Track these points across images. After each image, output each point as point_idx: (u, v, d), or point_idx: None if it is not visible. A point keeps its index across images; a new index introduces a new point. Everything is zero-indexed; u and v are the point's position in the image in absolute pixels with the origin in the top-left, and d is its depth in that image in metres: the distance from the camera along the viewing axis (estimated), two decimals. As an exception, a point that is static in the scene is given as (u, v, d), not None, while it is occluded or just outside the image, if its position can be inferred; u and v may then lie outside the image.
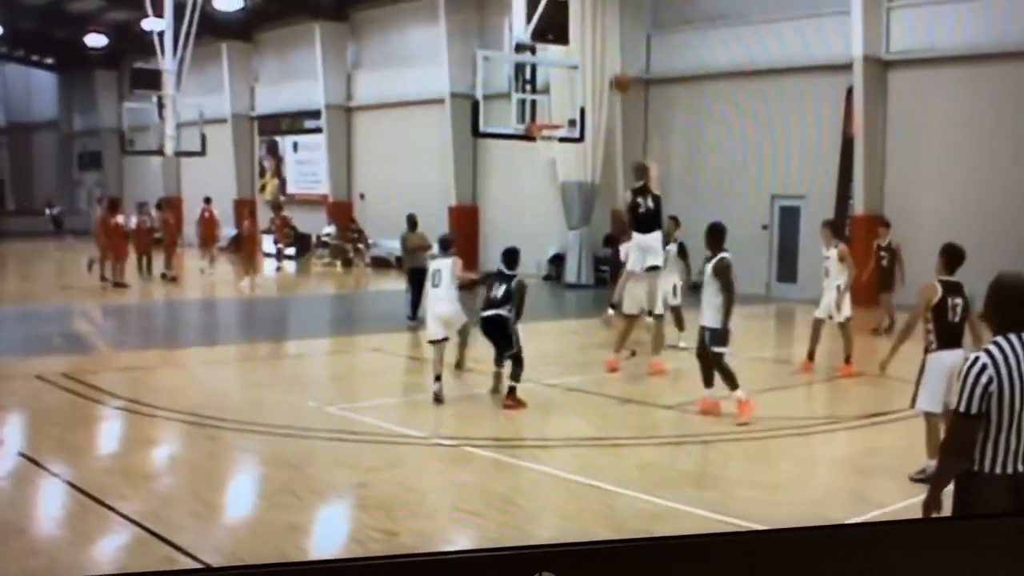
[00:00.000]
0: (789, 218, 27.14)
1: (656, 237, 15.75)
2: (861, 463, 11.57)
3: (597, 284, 29.02)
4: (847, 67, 25.15)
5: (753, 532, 5.65)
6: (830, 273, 16.59)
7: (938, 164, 24.05)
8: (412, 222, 21.63)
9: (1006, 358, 5.55)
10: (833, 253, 16.66)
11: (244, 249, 28.78)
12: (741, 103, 27.42)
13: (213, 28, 37.74)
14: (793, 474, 10.87)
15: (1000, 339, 5.63)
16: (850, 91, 25.28)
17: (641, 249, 15.62)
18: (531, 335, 19.98)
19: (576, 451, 11.68)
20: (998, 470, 5.60)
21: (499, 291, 13.74)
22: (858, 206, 25.31)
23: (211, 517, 9.00)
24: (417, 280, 20.89)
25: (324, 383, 15.83)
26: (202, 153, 32.77)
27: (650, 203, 15.56)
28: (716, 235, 13.36)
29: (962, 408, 5.59)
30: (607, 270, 29.05)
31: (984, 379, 5.52)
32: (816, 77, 25.88)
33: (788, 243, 27.09)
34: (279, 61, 43.45)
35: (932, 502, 5.88)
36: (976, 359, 5.59)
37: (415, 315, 20.77)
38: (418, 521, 8.93)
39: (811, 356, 16.28)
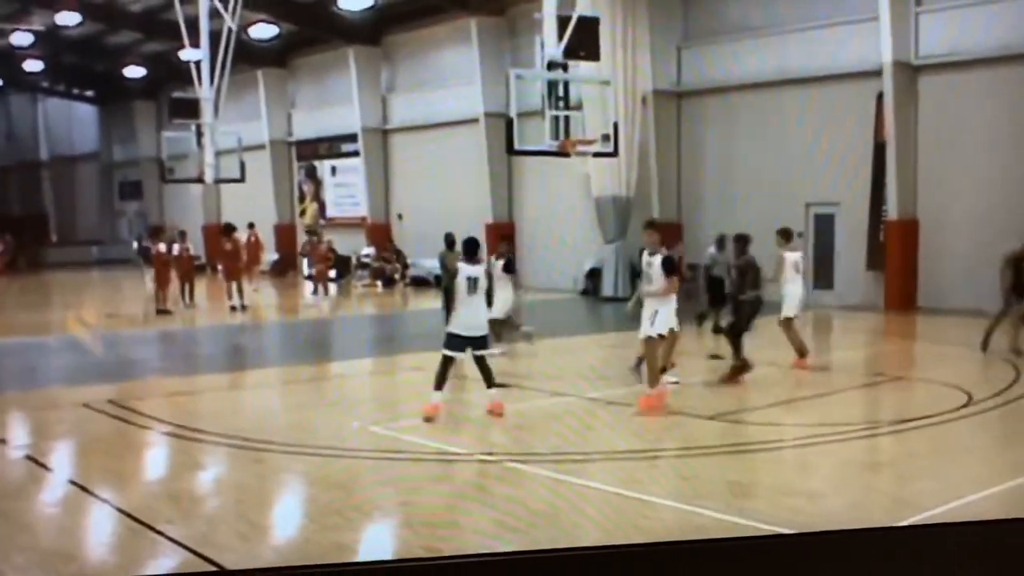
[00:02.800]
0: (824, 225, 27.16)
1: None
2: (902, 468, 11.58)
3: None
4: (877, 73, 25.24)
5: (772, 535, 5.67)
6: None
7: (971, 168, 24.03)
8: (450, 241, 21.72)
9: None
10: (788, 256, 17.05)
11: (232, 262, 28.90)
12: (772, 112, 27.58)
13: (249, 56, 38.18)
14: (835, 480, 10.89)
15: None
16: (880, 97, 25.32)
17: None
18: (570, 349, 20.20)
19: (618, 464, 11.73)
20: None
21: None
22: (892, 211, 25.28)
23: (258, 538, 9.11)
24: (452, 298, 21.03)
25: (367, 403, 15.93)
26: (241, 180, 33.07)
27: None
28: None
29: None
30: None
31: None
32: (846, 84, 25.98)
33: (824, 250, 27.09)
34: (315, 86, 43.86)
35: None
36: None
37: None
38: (462, 537, 8.99)
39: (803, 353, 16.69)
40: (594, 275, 31.10)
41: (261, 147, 43.46)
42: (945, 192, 24.55)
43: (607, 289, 29.81)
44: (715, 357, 17.70)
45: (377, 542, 9.32)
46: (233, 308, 28.13)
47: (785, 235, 17.45)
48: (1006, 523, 3.70)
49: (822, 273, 27.12)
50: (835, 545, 3.34)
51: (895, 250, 24.32)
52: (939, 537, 3.44)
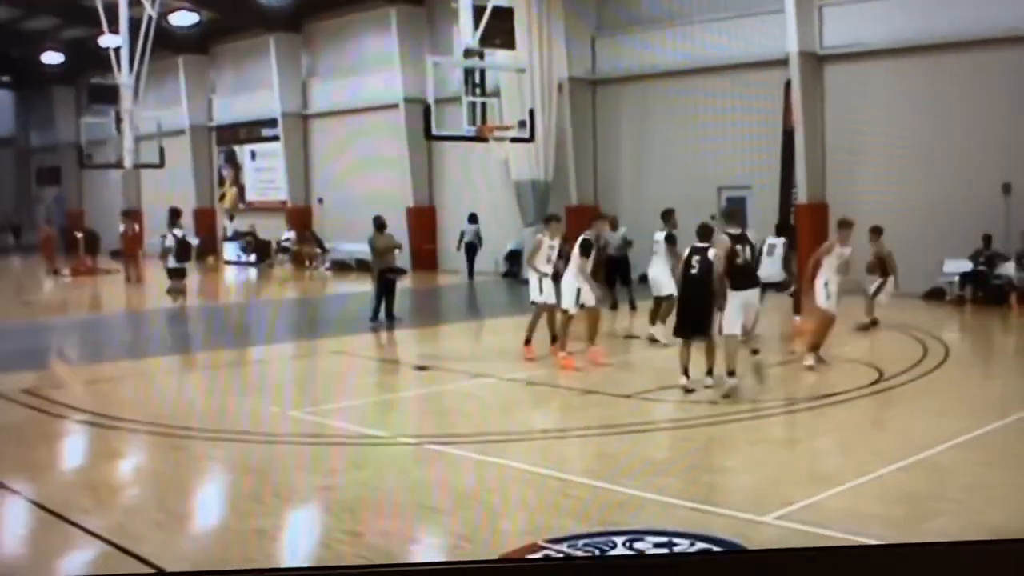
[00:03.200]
0: (736, 208, 27.51)
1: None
2: (816, 444, 11.80)
3: (553, 278, 29.17)
4: (784, 62, 25.89)
5: (765, 551, 5.77)
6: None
7: (876, 152, 24.74)
8: (380, 224, 21.78)
9: None
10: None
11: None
12: (685, 100, 28.05)
13: (169, 43, 37.82)
14: (751, 457, 11.06)
15: None
16: (788, 85, 25.94)
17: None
18: (491, 331, 20.27)
19: (539, 444, 11.85)
20: None
21: None
22: (801, 195, 25.85)
23: (176, 527, 9.06)
24: (385, 282, 21.09)
25: (287, 388, 15.89)
26: (161, 165, 32.82)
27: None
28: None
29: None
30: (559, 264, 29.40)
31: None
32: (755, 72, 26.52)
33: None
34: (235, 72, 43.54)
35: None
36: None
37: (377, 317, 20.95)
38: (384, 521, 9.01)
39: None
40: (514, 257, 31.26)
41: (181, 132, 43.05)
42: (852, 176, 25.10)
43: (526, 272, 29.95)
44: (630, 337, 17.94)
45: (297, 527, 9.31)
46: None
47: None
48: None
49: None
50: (834, 561, 3.41)
51: (805, 233, 24.66)
52: (941, 556, 3.52)
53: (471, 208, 32.21)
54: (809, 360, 15.08)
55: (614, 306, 21.45)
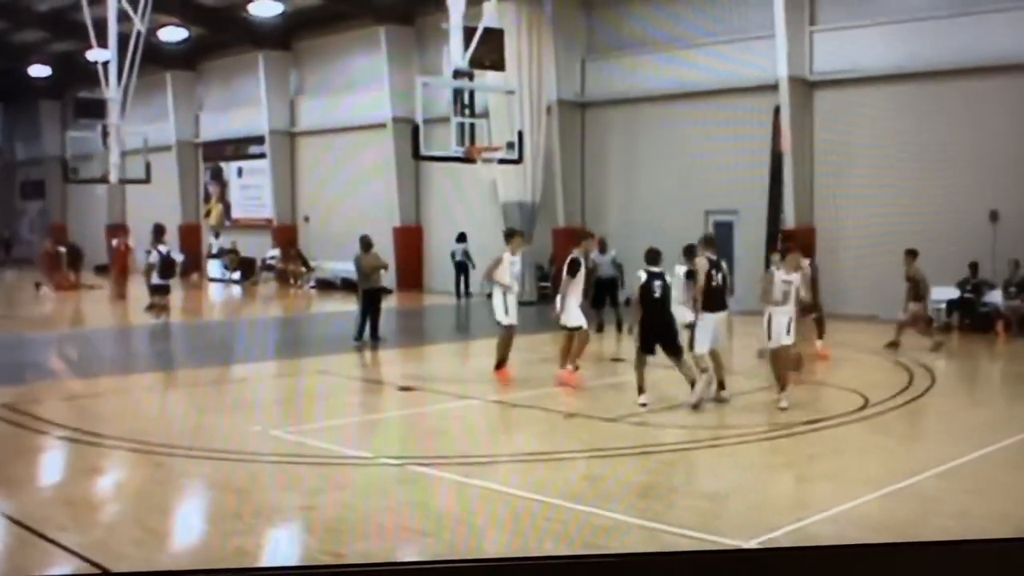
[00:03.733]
0: (723, 233, 27.61)
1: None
2: (801, 470, 11.76)
3: (540, 300, 29.28)
4: (774, 88, 26.02)
5: (756, 549, 5.74)
6: None
7: (864, 178, 24.84)
8: (366, 243, 21.76)
9: None
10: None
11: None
12: (673, 124, 28.26)
13: (157, 58, 37.76)
14: (735, 482, 11.02)
15: None
16: (777, 110, 26.06)
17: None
18: (477, 352, 20.21)
19: (522, 466, 11.78)
20: None
21: None
22: (789, 220, 25.93)
23: (155, 544, 8.99)
24: (371, 301, 21.04)
25: (270, 407, 15.78)
26: (147, 180, 32.71)
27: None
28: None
29: None
30: (548, 287, 29.55)
31: None
32: (745, 97, 26.63)
33: (723, 257, 27.36)
34: (223, 89, 43.50)
35: None
36: None
37: (362, 336, 20.88)
38: (365, 542, 8.96)
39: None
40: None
41: (168, 148, 42.98)
42: (840, 201, 25.19)
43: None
44: (617, 360, 17.88)
45: (277, 546, 9.24)
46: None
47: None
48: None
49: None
50: (833, 560, 3.37)
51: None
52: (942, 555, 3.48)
53: (458, 228, 32.17)
54: (783, 403, 14.64)
55: (600, 328, 21.41)
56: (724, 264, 15.68)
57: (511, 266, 16.84)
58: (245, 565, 8.38)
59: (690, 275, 17.02)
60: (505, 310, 16.72)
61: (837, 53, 25.41)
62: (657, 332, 14.63)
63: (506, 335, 16.77)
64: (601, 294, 22.16)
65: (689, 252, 15.43)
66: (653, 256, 14.91)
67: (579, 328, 16.49)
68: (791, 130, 25.63)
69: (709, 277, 14.89)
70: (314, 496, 10.40)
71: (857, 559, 3.44)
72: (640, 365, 14.61)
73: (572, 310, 16.41)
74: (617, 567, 3.29)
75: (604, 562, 3.30)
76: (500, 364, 16.69)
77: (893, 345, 19.48)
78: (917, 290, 19.50)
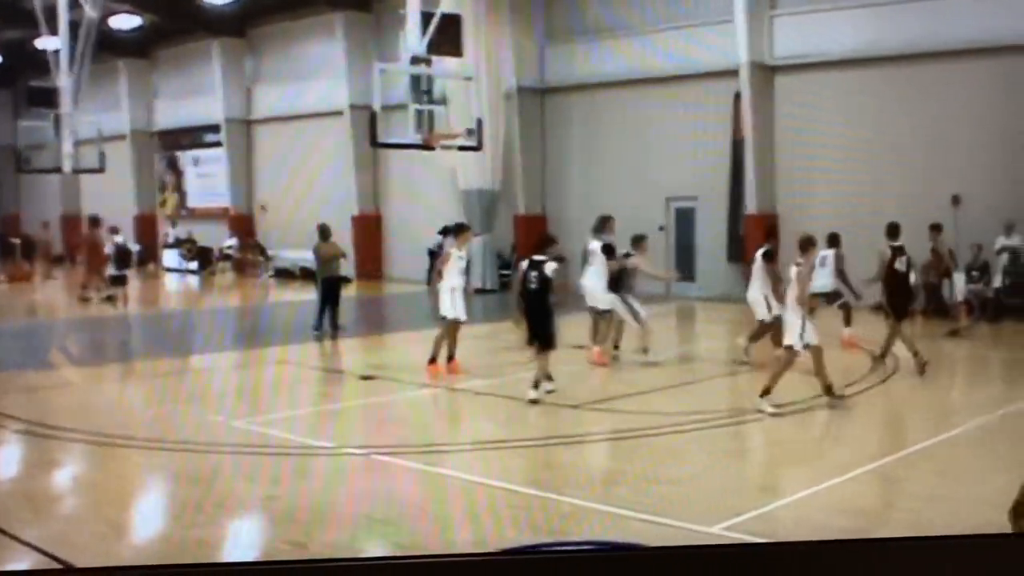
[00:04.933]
0: (684, 219, 27.77)
1: None
2: (766, 455, 11.78)
3: (501, 289, 29.25)
4: (734, 73, 26.00)
5: (751, 544, 5.72)
6: None
7: (826, 163, 24.78)
8: (324, 232, 21.58)
9: None
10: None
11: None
12: (634, 110, 28.19)
13: (110, 46, 37.29)
14: (701, 468, 11.02)
15: None
16: (737, 96, 26.08)
17: None
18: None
19: (486, 454, 11.74)
20: None
21: None
22: (750, 206, 25.95)
23: (117, 537, 8.90)
24: (329, 290, 20.90)
25: (230, 397, 15.65)
26: (101, 170, 32.36)
27: None
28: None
29: None
30: (508, 274, 29.52)
31: None
32: (705, 83, 26.63)
33: (685, 243, 27.68)
34: (178, 77, 43.01)
35: None
36: None
37: (321, 326, 20.75)
38: (328, 532, 8.90)
39: None
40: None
41: (122, 137, 42.54)
42: (803, 187, 25.21)
43: (474, 281, 29.81)
44: (579, 347, 17.84)
45: (240, 537, 9.17)
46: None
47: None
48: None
49: (683, 265, 27.62)
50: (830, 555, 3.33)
51: (755, 243, 24.74)
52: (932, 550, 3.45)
53: (420, 216, 32.00)
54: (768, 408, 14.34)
55: None
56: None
57: (459, 261, 16.57)
58: (206, 556, 8.30)
59: (607, 249, 17.08)
60: (452, 304, 16.42)
61: (798, 38, 25.37)
62: (535, 327, 14.20)
63: (451, 328, 16.50)
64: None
65: (542, 244, 14.88)
66: (541, 242, 14.92)
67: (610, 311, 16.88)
68: (752, 115, 25.68)
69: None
70: (276, 486, 10.33)
71: (852, 554, 3.42)
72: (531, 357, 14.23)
73: (599, 293, 16.88)
74: (618, 561, 3.25)
75: (600, 558, 3.26)
76: (435, 359, 16.33)
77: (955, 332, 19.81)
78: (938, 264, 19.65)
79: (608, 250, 17.16)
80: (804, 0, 25.38)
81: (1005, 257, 22.32)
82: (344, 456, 11.71)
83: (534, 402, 13.65)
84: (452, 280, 16.42)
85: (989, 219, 22.46)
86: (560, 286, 14.98)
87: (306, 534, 8.77)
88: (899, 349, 15.94)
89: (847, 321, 18.52)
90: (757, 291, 16.43)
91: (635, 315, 17.14)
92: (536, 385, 13.92)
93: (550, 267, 14.08)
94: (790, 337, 13.52)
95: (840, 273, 17.89)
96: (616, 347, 17.32)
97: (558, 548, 7.20)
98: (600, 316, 17.12)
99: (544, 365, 14.09)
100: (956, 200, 22.95)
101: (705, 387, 15.76)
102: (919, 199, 22.81)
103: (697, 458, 11.45)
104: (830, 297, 18.07)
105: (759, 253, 16.57)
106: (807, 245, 13.92)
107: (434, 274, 16.73)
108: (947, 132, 23.09)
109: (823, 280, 17.53)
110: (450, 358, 16.29)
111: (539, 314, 14.11)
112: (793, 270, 13.72)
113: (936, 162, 23.27)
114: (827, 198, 24.38)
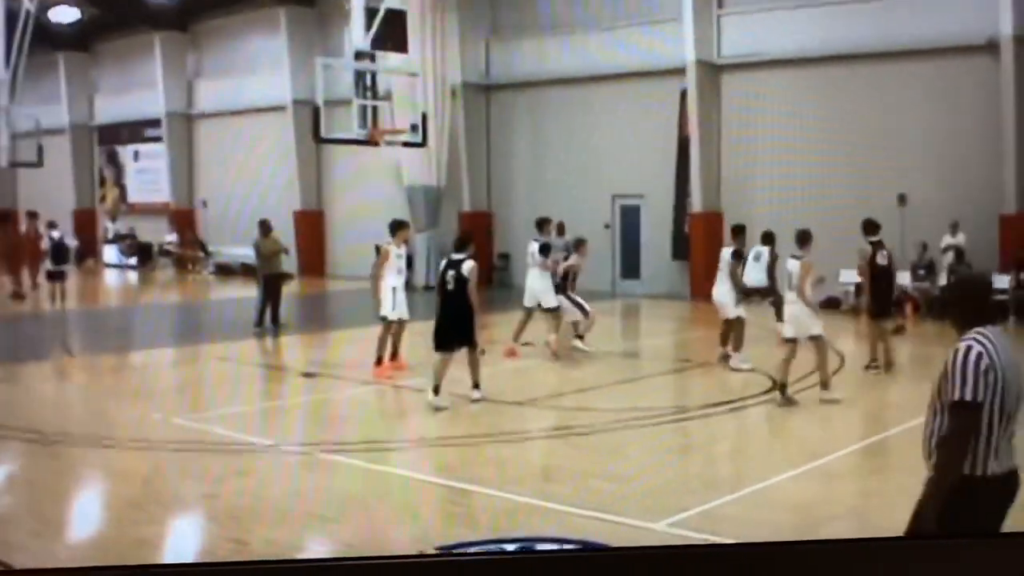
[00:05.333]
0: (630, 217, 27.85)
1: None
2: (709, 451, 11.80)
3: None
4: (681, 71, 26.13)
5: (747, 544, 5.70)
6: None
7: (772, 162, 25.03)
8: (265, 227, 21.41)
9: (995, 348, 5.38)
10: None
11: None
12: (580, 107, 28.30)
13: (48, 39, 36.85)
14: (643, 464, 11.02)
15: (982, 329, 5.45)
16: (684, 94, 26.14)
17: None
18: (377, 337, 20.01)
19: (428, 451, 11.70)
20: (997, 470, 5.36)
21: None
22: (696, 204, 26.07)
23: (54, 536, 8.76)
24: (270, 286, 20.73)
25: (170, 394, 15.48)
26: (39, 164, 31.96)
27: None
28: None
29: (968, 396, 5.30)
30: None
31: (983, 366, 5.32)
32: (652, 81, 26.83)
33: (631, 241, 27.78)
34: (119, 71, 42.58)
35: (940, 503, 5.36)
36: (969, 347, 5.37)
37: (262, 322, 20.59)
38: (270, 529, 8.81)
39: None
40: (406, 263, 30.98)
41: (61, 131, 42.07)
42: (748, 185, 25.41)
43: (419, 278, 29.74)
44: (526, 344, 17.84)
45: (180, 535, 9.06)
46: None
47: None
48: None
49: (628, 263, 27.75)
50: (812, 554, 3.33)
51: (699, 241, 24.99)
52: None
53: (363, 213, 31.85)
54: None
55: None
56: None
57: (397, 259, 16.38)
58: (145, 555, 8.20)
59: (544, 249, 17.26)
60: (392, 304, 16.20)
61: (745, 37, 25.59)
62: (451, 330, 13.65)
63: (395, 329, 16.32)
64: None
65: (461, 243, 14.30)
66: (459, 242, 14.47)
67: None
68: (698, 114, 25.77)
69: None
70: (217, 484, 10.21)
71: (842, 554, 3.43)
72: (443, 363, 13.52)
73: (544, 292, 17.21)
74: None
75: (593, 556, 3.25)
76: (381, 359, 16.04)
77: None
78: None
79: (544, 250, 17.56)
80: (750, 0, 25.54)
81: (950, 255, 22.53)
82: (285, 453, 11.60)
83: (436, 407, 13.25)
84: (391, 279, 16.22)
85: (935, 218, 22.71)
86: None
87: (248, 532, 8.67)
88: (847, 344, 16.05)
89: (779, 316, 18.70)
90: (725, 290, 16.44)
91: (582, 309, 17.36)
92: (473, 387, 13.70)
93: (467, 266, 13.55)
94: (792, 330, 13.82)
95: (770, 270, 18.02)
96: (581, 337, 17.51)
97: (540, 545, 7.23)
98: (546, 313, 17.34)
99: (475, 368, 13.74)
100: (902, 199, 23.19)
101: (648, 384, 15.79)
102: (865, 198, 22.94)
103: (641, 455, 11.44)
104: (764, 292, 18.27)
105: (728, 252, 16.60)
106: (805, 238, 14.25)
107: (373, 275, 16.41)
108: (893, 132, 23.35)
109: (758, 275, 17.82)
110: (394, 355, 16.15)
111: (457, 316, 13.57)
112: (792, 263, 14.00)
113: (882, 161, 23.49)
114: (771, 196, 24.57)
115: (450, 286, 13.59)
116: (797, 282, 13.80)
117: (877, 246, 16.22)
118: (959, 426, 5.34)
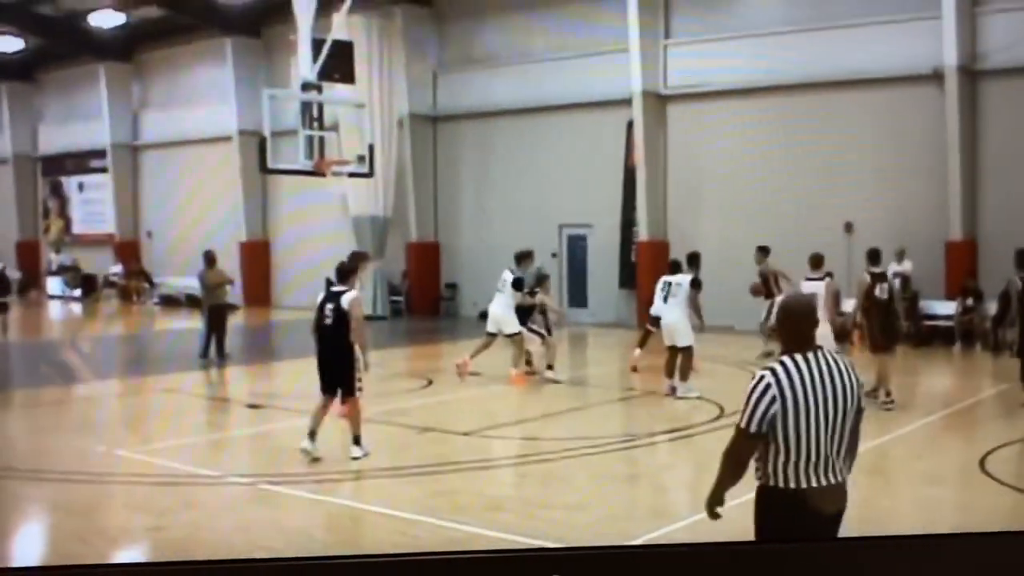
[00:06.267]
0: (577, 246, 27.98)
1: None
2: (657, 479, 11.83)
3: (393, 316, 29.21)
4: (628, 102, 26.30)
5: (755, 543, 5.69)
6: None
7: (719, 191, 25.33)
8: (210, 259, 21.32)
9: (790, 377, 5.61)
10: None
11: None
12: (527, 138, 28.45)
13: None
14: (591, 493, 11.03)
15: (786, 358, 5.68)
16: (631, 124, 26.30)
17: None
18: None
19: (375, 482, 11.64)
20: (791, 485, 5.69)
21: None
22: (642, 232, 26.22)
23: (-6, 568, 8.64)
24: (215, 318, 20.62)
25: (114, 426, 15.35)
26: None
27: None
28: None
29: (743, 425, 5.68)
30: (400, 301, 29.63)
31: (767, 399, 5.59)
32: (598, 112, 27.07)
33: (578, 269, 27.90)
34: (63, 101, 42.29)
35: (713, 503, 6.07)
36: (761, 377, 5.64)
37: (207, 353, 20.47)
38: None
39: None
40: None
41: (3, 162, 41.76)
42: (695, 214, 25.62)
43: (365, 308, 29.69)
44: (474, 373, 17.85)
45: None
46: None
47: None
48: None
49: (575, 291, 27.83)
50: (815, 554, 3.34)
51: (646, 270, 25.09)
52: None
53: (309, 243, 31.79)
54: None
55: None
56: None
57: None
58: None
59: (516, 284, 17.48)
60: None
61: (691, 67, 25.73)
62: (325, 369, 12.35)
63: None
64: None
65: (343, 274, 12.75)
66: (340, 272, 12.79)
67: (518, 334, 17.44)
68: (644, 143, 25.92)
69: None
70: (163, 516, 10.10)
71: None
72: (323, 407, 12.28)
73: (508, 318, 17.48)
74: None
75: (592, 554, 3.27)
76: None
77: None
78: (768, 288, 19.63)
79: (517, 284, 17.77)
80: (698, 29, 25.79)
81: (897, 283, 22.75)
82: (231, 485, 11.51)
83: (307, 453, 12.02)
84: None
85: (881, 245, 22.82)
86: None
87: (192, 564, 8.59)
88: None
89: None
90: (681, 317, 16.38)
91: (542, 336, 17.88)
92: (355, 443, 12.25)
93: (348, 298, 12.12)
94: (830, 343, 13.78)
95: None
96: (550, 367, 17.78)
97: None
98: (507, 339, 17.67)
99: (355, 419, 12.27)
100: (849, 227, 23.41)
101: (596, 412, 15.82)
102: (812, 226, 23.19)
103: (587, 484, 11.45)
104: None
105: (686, 280, 16.54)
106: (818, 261, 15.59)
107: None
108: (839, 160, 23.53)
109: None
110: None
111: (335, 355, 12.14)
112: (809, 284, 14.97)
113: (829, 189, 23.66)
114: (718, 225, 24.81)
115: (327, 320, 12.14)
116: (821, 303, 13.79)
117: (877, 279, 15.59)
118: (732, 447, 5.81)
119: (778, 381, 5.59)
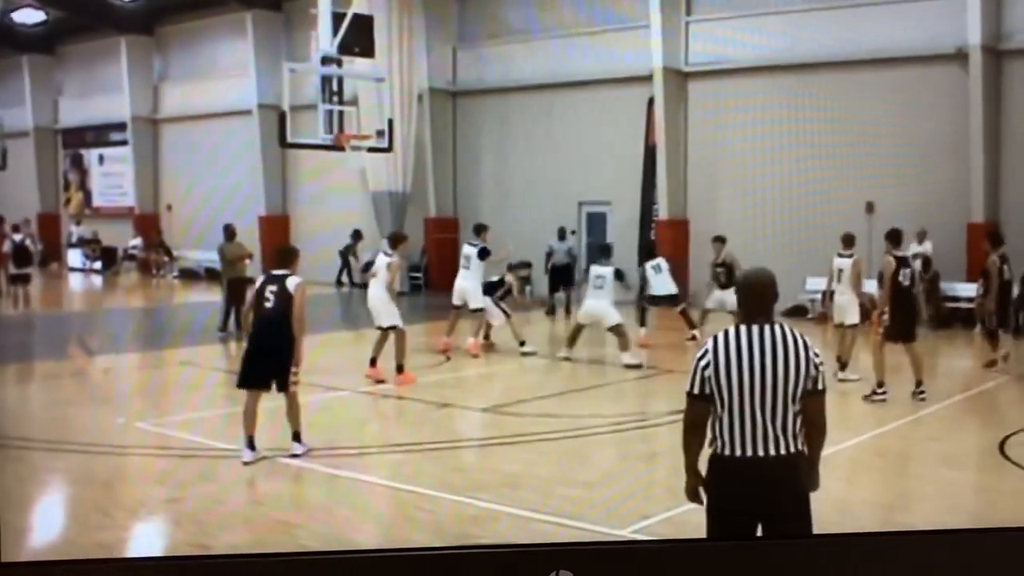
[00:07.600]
0: (596, 224, 27.87)
1: None
2: (675, 458, 11.79)
3: (412, 291, 29.19)
4: (648, 78, 26.15)
5: (760, 540, 5.74)
6: None
7: (739, 169, 25.13)
8: (230, 232, 21.32)
9: (727, 346, 5.90)
10: None
11: None
12: (547, 114, 28.29)
13: (13, 41, 36.61)
14: (609, 471, 11.04)
15: (731, 327, 5.98)
16: (651, 101, 26.20)
17: None
18: (346, 342, 19.99)
19: (393, 457, 11.67)
20: (737, 453, 5.96)
21: None
22: (662, 211, 26.14)
23: (16, 541, 8.68)
24: (235, 291, 20.63)
25: (134, 399, 15.43)
26: (2, 167, 31.75)
27: None
28: None
29: (687, 388, 6.08)
30: (419, 277, 29.58)
31: (702, 364, 5.96)
32: (619, 88, 26.85)
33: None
34: (84, 74, 42.28)
35: (688, 474, 6.45)
36: (703, 346, 6.03)
37: (226, 326, 20.50)
38: (233, 534, 8.80)
39: None
40: (370, 268, 30.92)
41: (25, 134, 41.76)
42: (714, 192, 25.49)
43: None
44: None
45: (142, 540, 9.02)
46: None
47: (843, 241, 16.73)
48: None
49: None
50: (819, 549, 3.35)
51: (666, 248, 24.97)
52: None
53: (328, 218, 31.78)
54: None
55: (551, 311, 23.73)
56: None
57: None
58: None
59: (483, 253, 18.17)
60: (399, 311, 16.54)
61: (712, 44, 25.61)
62: (260, 358, 11.43)
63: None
64: (555, 280, 23.89)
65: (283, 257, 11.89)
66: (286, 256, 11.94)
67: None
68: (665, 121, 25.83)
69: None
70: (180, 489, 10.15)
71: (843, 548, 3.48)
72: (252, 400, 11.38)
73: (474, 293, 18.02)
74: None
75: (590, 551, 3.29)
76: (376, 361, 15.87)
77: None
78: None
79: (483, 254, 18.30)
80: (719, 6, 25.63)
81: (917, 264, 22.63)
82: (249, 459, 11.53)
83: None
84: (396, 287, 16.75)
85: (902, 226, 22.74)
86: None
87: (211, 536, 8.64)
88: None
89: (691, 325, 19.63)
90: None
91: (505, 312, 18.50)
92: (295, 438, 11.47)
93: (293, 282, 11.20)
94: (853, 316, 16.40)
95: (675, 277, 19.49)
96: (522, 343, 18.17)
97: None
98: (472, 313, 18.15)
99: (294, 415, 11.50)
100: (870, 207, 23.27)
101: (613, 390, 15.80)
102: (833, 205, 23.06)
103: (605, 461, 11.47)
104: (674, 299, 20.14)
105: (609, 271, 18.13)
106: (850, 240, 16.55)
107: (391, 284, 16.25)
108: (861, 139, 23.38)
109: (666, 284, 19.80)
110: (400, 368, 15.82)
111: (274, 344, 11.17)
112: (840, 261, 16.39)
113: (850, 169, 23.52)
114: (738, 203, 24.69)
115: (268, 303, 11.18)
116: (848, 277, 16.23)
117: (901, 263, 14.99)
118: (685, 411, 6.22)
119: (715, 347, 5.93)
